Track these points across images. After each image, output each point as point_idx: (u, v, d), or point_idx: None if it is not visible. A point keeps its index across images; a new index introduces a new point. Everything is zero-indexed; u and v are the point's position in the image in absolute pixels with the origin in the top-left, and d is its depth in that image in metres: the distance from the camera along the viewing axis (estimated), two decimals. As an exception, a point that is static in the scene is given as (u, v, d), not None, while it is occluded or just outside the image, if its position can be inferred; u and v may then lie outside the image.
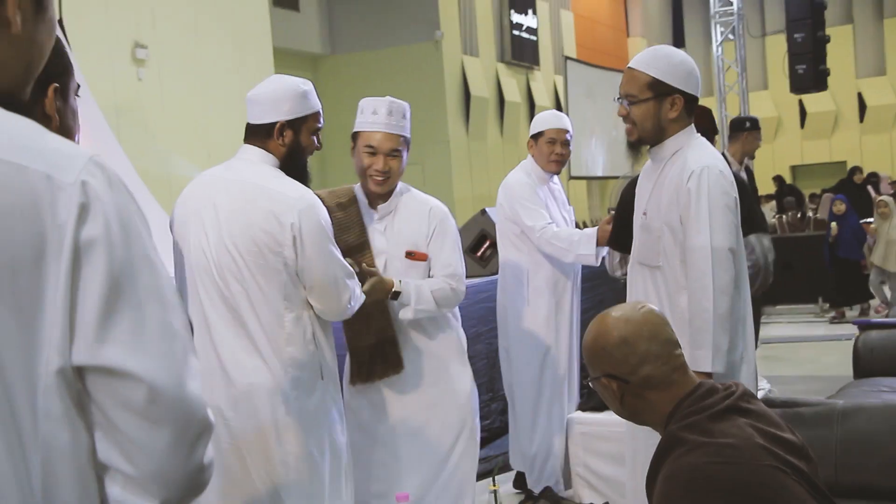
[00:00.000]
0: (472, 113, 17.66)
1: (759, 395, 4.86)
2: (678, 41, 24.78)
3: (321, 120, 2.83)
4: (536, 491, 4.36)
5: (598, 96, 20.63)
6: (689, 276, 2.79)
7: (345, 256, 2.83)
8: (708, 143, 2.95)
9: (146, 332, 1.05)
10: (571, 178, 19.50)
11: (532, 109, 19.00)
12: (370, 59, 16.66)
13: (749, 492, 1.89)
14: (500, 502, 2.64)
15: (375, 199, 3.25)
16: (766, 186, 20.68)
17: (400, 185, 3.28)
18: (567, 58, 20.21)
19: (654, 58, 2.88)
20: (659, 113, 2.85)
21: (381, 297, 3.10)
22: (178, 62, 11.38)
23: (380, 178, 3.16)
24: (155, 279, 1.07)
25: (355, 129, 3.21)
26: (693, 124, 2.91)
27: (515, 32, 19.22)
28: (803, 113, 24.28)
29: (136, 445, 1.05)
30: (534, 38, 19.99)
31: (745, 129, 6.04)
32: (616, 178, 18.93)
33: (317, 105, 2.81)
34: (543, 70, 20.66)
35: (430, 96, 16.57)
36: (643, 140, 2.94)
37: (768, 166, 22.16)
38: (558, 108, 19.02)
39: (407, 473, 3.21)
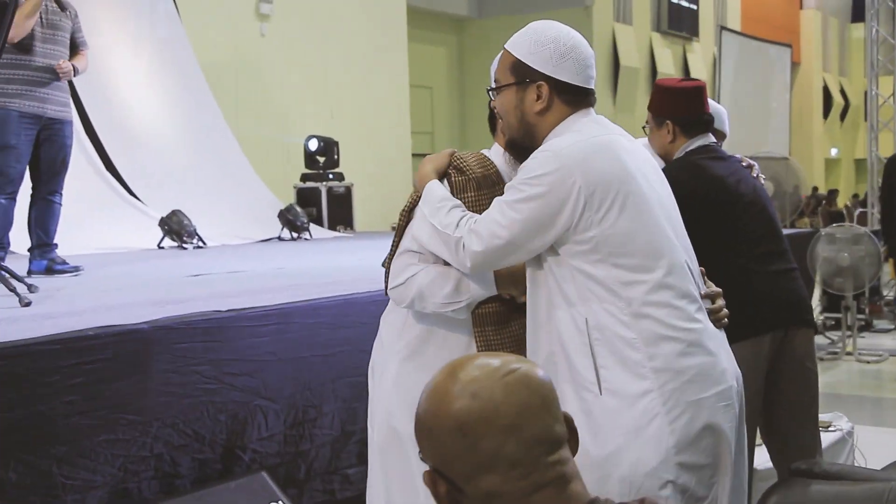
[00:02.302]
0: (621, 84, 17.04)
1: (834, 434, 4.03)
2: (857, 16, 23.07)
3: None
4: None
5: (754, 71, 19.62)
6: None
7: None
8: (588, 126, 2.21)
9: None
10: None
11: (687, 83, 18.14)
12: (517, 24, 15.89)
13: None
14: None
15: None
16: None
17: None
18: (722, 28, 19.06)
19: (523, 34, 2.28)
20: (522, 104, 2.25)
21: None
22: (302, 19, 11.15)
23: None
24: None
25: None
26: (585, 110, 2.24)
27: (674, 0, 18.36)
28: None
29: None
30: (694, 6, 19.14)
31: None
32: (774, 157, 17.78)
33: None
34: (703, 41, 19.64)
35: (577, 64, 15.97)
36: (514, 141, 2.31)
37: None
38: (714, 82, 18.01)
39: None
